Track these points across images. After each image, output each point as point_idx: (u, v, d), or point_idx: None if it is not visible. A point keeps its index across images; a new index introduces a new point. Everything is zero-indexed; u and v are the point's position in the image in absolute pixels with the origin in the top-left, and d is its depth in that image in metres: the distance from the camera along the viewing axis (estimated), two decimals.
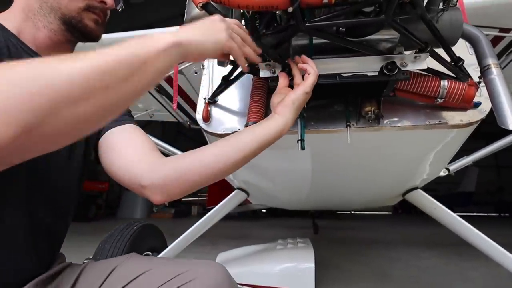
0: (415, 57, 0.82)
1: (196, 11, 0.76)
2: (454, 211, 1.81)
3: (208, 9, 0.66)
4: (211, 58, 0.68)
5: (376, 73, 0.84)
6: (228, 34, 0.62)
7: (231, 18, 0.82)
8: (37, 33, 0.70)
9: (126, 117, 0.82)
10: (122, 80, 0.43)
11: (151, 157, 0.73)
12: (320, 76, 0.87)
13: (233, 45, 0.63)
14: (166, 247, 1.96)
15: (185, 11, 0.84)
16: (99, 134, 0.79)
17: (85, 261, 1.87)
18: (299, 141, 1.02)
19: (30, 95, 0.35)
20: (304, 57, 0.80)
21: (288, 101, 0.76)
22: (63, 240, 0.79)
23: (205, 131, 1.16)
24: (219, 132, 1.14)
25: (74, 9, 0.70)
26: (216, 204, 2.12)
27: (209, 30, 0.59)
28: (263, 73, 0.88)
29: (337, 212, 9.33)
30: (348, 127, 1.03)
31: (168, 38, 0.50)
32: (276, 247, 2.65)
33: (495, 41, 1.95)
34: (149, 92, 2.62)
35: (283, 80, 0.83)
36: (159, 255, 1.84)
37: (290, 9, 0.67)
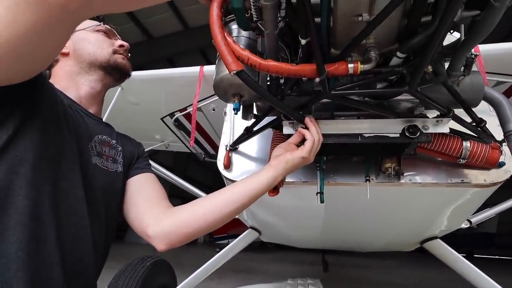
0: (437, 121, 0.84)
1: (226, 72, 0.81)
2: (474, 253, 1.72)
3: (241, 76, 0.71)
4: None
5: (398, 135, 0.86)
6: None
7: (259, 78, 0.87)
8: (81, 88, 0.85)
9: (146, 165, 0.93)
10: None
11: (157, 209, 0.82)
12: (343, 136, 0.89)
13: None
14: (176, 284, 1.92)
15: (215, 69, 0.90)
16: (127, 176, 0.88)
17: None
18: (319, 194, 1.03)
19: None
20: (307, 121, 0.84)
21: (282, 159, 0.82)
22: (103, 265, 0.82)
23: (226, 178, 1.18)
24: (235, 179, 1.15)
25: (106, 55, 0.86)
26: (223, 233, 2.10)
27: None
28: (287, 130, 0.91)
29: None
30: (367, 182, 1.03)
31: None
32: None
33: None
34: (167, 126, 2.70)
35: (294, 138, 0.87)
36: None
37: (317, 80, 0.71)
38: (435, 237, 1.69)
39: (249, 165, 1.23)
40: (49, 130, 0.65)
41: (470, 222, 1.57)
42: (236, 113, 0.91)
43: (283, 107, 0.79)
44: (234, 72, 0.71)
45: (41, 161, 0.62)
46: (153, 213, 0.81)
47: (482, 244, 9.91)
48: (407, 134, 0.84)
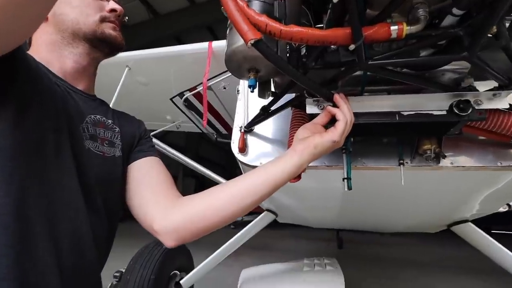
0: (494, 94, 0.70)
1: (240, 43, 0.69)
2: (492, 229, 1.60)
3: (259, 47, 0.59)
4: None
5: (445, 112, 0.72)
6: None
7: (277, 48, 0.74)
8: (64, 62, 0.72)
9: (149, 147, 0.82)
10: None
11: (164, 200, 0.73)
12: (377, 114, 0.77)
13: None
14: (193, 266, 1.92)
15: (226, 41, 0.77)
16: (127, 160, 0.79)
17: (115, 274, 1.84)
18: (345, 180, 0.92)
19: None
20: (337, 98, 0.70)
21: (310, 143, 0.69)
22: (105, 259, 0.75)
23: (241, 162, 1.09)
24: (256, 165, 1.06)
25: (92, 24, 0.71)
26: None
27: None
28: (310, 109, 0.79)
29: None
30: (401, 165, 0.91)
31: None
32: (303, 268, 2.52)
33: None
34: (177, 106, 2.62)
35: (321, 117, 0.74)
36: (186, 277, 1.80)
37: (352, 47, 0.58)
38: (465, 221, 1.57)
39: (266, 147, 1.13)
40: (31, 112, 0.55)
41: (509, 205, 1.44)
42: (252, 91, 0.79)
43: (308, 83, 0.67)
44: (252, 42, 0.59)
45: (22, 149, 0.53)
46: (160, 205, 0.72)
47: (501, 220, 9.69)
48: (456, 111, 0.70)
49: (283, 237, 7.04)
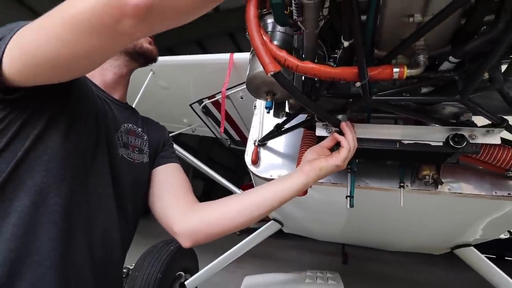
0: (488, 131, 0.77)
1: (261, 69, 0.78)
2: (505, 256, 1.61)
3: (278, 78, 0.68)
4: None
5: (441, 143, 0.80)
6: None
7: (293, 76, 0.83)
8: (105, 74, 0.82)
9: (171, 153, 0.92)
10: None
11: (184, 203, 0.82)
12: (379, 141, 0.85)
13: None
14: (198, 268, 2.00)
15: (249, 65, 0.87)
16: (152, 165, 0.88)
17: (123, 270, 1.95)
18: (348, 198, 1.00)
19: None
20: (344, 126, 0.79)
21: (316, 166, 0.78)
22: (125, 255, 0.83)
23: (253, 173, 1.18)
24: (266, 177, 1.15)
25: None
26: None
27: None
28: (320, 132, 0.88)
29: None
30: (402, 188, 0.98)
31: None
32: (304, 280, 2.56)
33: None
34: (195, 112, 2.74)
35: (328, 142, 0.82)
36: (190, 279, 1.88)
37: (358, 84, 0.66)
38: (468, 245, 1.60)
39: (277, 161, 1.22)
40: (77, 127, 0.65)
41: (511, 232, 1.47)
42: (268, 112, 0.89)
43: (318, 110, 0.76)
44: (271, 73, 0.69)
45: (70, 158, 0.63)
46: (179, 209, 0.81)
47: None
48: (451, 143, 0.77)
49: (287, 248, 7.04)
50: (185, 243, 0.78)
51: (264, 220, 1.64)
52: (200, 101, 2.54)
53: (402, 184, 0.98)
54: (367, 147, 0.84)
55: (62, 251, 0.61)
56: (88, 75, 0.78)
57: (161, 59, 2.80)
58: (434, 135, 0.80)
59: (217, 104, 2.51)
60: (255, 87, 0.88)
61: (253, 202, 0.78)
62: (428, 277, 5.38)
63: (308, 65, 0.67)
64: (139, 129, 0.87)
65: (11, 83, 0.53)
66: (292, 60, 0.67)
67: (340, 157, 0.75)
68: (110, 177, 0.73)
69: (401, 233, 1.77)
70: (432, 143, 0.80)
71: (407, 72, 0.64)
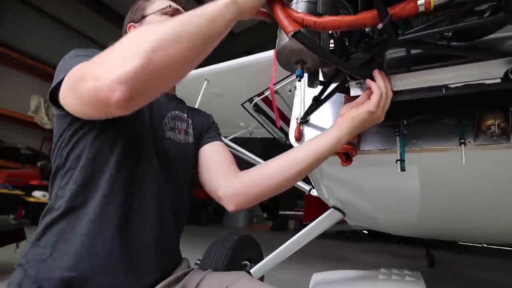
0: None
1: (287, 39, 0.81)
2: None
3: (298, 37, 0.70)
4: (259, 9, 0.72)
5: (499, 80, 0.69)
6: None
7: (320, 41, 0.83)
8: None
9: (215, 134, 1.03)
10: (197, 31, 0.57)
11: (227, 172, 0.91)
12: (422, 90, 0.78)
13: None
14: (262, 258, 2.05)
15: (276, 40, 0.91)
16: (199, 145, 1.00)
17: (196, 261, 2.15)
18: (398, 161, 0.93)
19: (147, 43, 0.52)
20: (375, 73, 0.76)
21: (348, 116, 0.77)
22: (183, 226, 0.96)
23: None
24: None
25: None
26: (313, 219, 2.11)
27: None
28: (354, 91, 0.85)
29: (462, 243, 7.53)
30: (462, 145, 0.87)
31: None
32: (378, 276, 2.37)
33: None
34: (248, 111, 2.86)
35: (362, 96, 0.81)
36: (255, 267, 1.94)
37: (380, 26, 0.64)
38: None
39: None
40: (132, 125, 0.80)
41: None
42: (299, 80, 0.89)
43: (343, 64, 0.74)
44: (291, 33, 0.71)
45: (126, 148, 0.77)
46: (223, 177, 0.90)
47: None
48: (511, 77, 0.67)
49: (364, 251, 6.58)
50: (229, 206, 0.86)
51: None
52: (250, 100, 2.65)
53: (462, 141, 0.87)
54: (408, 98, 0.78)
55: (125, 221, 0.74)
56: None
57: (212, 67, 3.02)
58: (489, 72, 0.70)
59: (267, 101, 2.58)
60: (285, 58, 0.90)
61: (289, 160, 0.81)
62: None
63: (326, 18, 0.67)
64: (185, 115, 1.00)
65: None
66: (309, 18, 0.68)
67: (372, 102, 0.73)
68: (155, 155, 0.84)
69: (487, 213, 1.52)
70: (487, 82, 0.70)
71: (434, 1, 0.59)
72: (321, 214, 2.05)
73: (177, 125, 0.95)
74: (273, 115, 2.69)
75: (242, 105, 2.77)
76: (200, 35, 0.57)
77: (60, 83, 0.65)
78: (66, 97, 0.65)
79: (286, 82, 2.31)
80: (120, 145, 0.75)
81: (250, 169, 0.89)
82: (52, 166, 0.77)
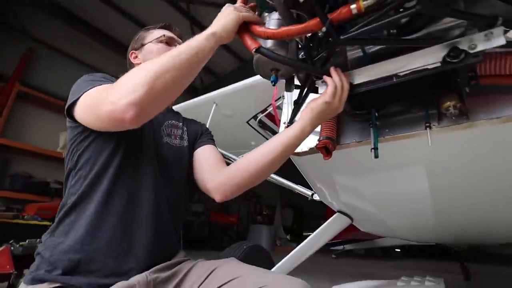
0: (486, 34, 0.73)
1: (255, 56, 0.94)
2: None
3: (260, 51, 0.84)
4: (234, 33, 0.86)
5: (439, 64, 0.78)
6: (236, 10, 0.85)
7: (288, 51, 0.96)
8: None
9: (208, 139, 1.17)
10: (186, 60, 0.75)
11: (215, 168, 1.05)
12: (377, 81, 0.88)
13: (242, 14, 0.85)
14: (272, 267, 2.08)
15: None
16: (193, 149, 1.13)
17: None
18: (372, 150, 1.01)
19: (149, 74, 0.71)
20: (331, 70, 0.88)
21: (308, 108, 0.89)
22: (181, 220, 1.07)
23: None
24: (297, 151, 1.24)
25: None
26: (338, 239, 2.15)
27: (225, 15, 0.84)
28: (321, 90, 0.96)
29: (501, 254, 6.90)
30: (428, 129, 0.94)
31: (208, 31, 0.80)
32: (396, 284, 2.30)
33: None
34: (254, 128, 3.00)
35: (324, 90, 0.91)
36: None
37: (324, 29, 0.76)
38: None
39: (309, 138, 1.29)
40: (134, 133, 0.92)
41: None
42: (273, 85, 1.02)
43: (302, 65, 0.87)
44: (254, 50, 0.85)
45: (129, 152, 0.93)
46: (212, 172, 1.03)
47: None
48: (448, 60, 0.76)
49: (392, 268, 6.22)
50: (216, 196, 0.98)
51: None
52: (255, 117, 2.80)
53: (427, 124, 0.94)
54: (365, 89, 0.88)
55: (126, 215, 0.87)
56: None
57: (220, 90, 3.21)
58: (429, 58, 0.79)
59: (270, 116, 2.72)
60: (261, 69, 1.03)
61: (262, 150, 0.94)
62: None
63: (282, 29, 0.81)
64: (180, 124, 1.17)
65: None
66: (269, 31, 0.83)
67: (327, 94, 0.84)
68: (155, 157, 0.99)
69: (499, 207, 1.50)
70: (430, 67, 0.79)
71: (363, 4, 0.71)
72: (345, 232, 2.05)
73: (173, 132, 1.11)
74: (278, 129, 2.81)
75: (247, 122, 2.92)
76: (188, 63, 0.75)
77: (75, 102, 0.82)
78: (84, 114, 0.82)
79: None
80: (122, 148, 0.90)
81: (233, 163, 1.02)
82: (65, 170, 0.92)
